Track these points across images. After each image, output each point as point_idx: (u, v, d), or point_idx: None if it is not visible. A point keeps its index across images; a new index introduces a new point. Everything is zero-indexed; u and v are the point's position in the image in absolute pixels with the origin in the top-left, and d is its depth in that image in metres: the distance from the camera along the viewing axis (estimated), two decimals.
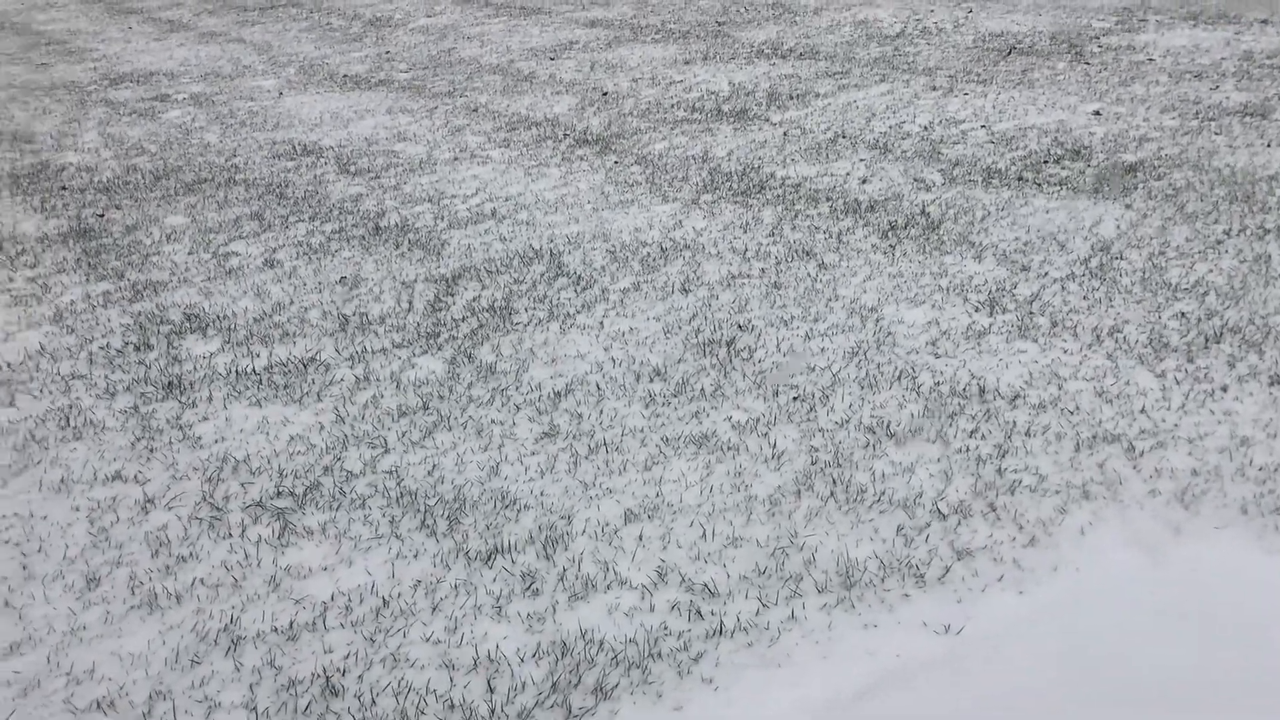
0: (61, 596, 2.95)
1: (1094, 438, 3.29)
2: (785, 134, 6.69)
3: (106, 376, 4.23)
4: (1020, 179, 5.55)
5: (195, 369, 4.23)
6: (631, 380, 3.87)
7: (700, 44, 9.63)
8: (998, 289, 4.31)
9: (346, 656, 2.67)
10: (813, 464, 3.29)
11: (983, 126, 6.48)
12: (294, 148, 7.33)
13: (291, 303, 4.76)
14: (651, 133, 6.97)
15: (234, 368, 4.21)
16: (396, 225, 5.63)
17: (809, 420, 3.52)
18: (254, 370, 4.17)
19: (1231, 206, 4.91)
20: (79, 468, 3.58)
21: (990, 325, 4.03)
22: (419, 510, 3.22)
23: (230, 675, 2.64)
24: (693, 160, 6.32)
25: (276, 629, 2.77)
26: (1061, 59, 7.97)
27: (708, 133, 6.87)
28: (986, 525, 2.95)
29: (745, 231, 5.13)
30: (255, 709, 2.55)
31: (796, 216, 5.27)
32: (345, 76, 9.56)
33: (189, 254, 5.47)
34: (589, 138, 6.97)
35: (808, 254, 4.81)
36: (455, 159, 6.75)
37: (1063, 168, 5.67)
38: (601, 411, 3.69)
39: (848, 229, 5.06)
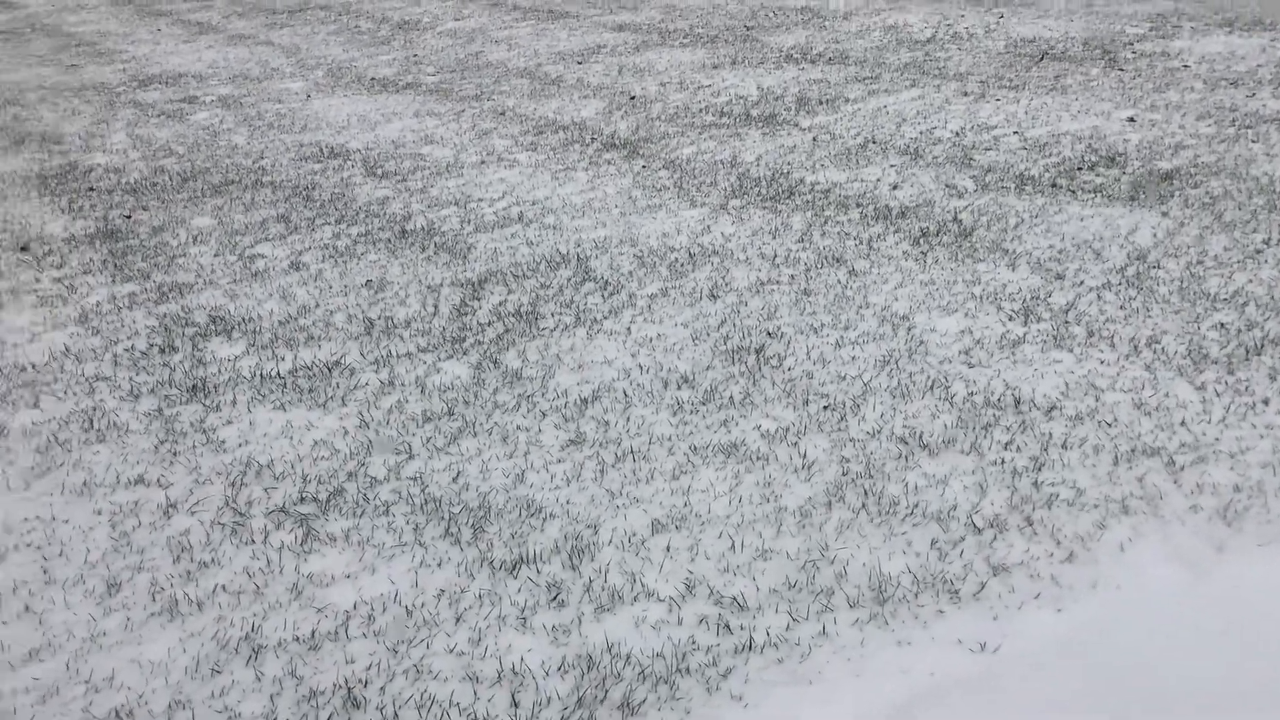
0: (82, 602, 2.92)
1: (1133, 451, 3.22)
2: (814, 139, 6.63)
3: (131, 378, 4.20)
4: (1054, 186, 5.46)
5: (220, 372, 4.20)
6: (659, 387, 3.82)
7: (728, 48, 9.57)
8: (1032, 297, 4.24)
9: (369, 667, 2.62)
10: (844, 474, 3.22)
11: (1015, 132, 6.40)
12: (321, 150, 7.31)
13: (317, 306, 4.73)
14: (679, 137, 6.92)
15: (258, 371, 4.17)
16: (423, 228, 5.60)
17: (840, 430, 3.46)
18: (278, 374, 4.14)
19: (1270, 215, 4.82)
20: (101, 471, 3.55)
21: (1025, 334, 3.95)
22: (443, 518, 3.18)
23: (251, 685, 2.60)
24: (721, 165, 6.27)
25: (298, 638, 2.73)
26: (1095, 65, 7.88)
27: (736, 137, 6.81)
28: (1023, 540, 2.88)
29: (774, 237, 5.07)
30: None
31: (826, 222, 5.21)
32: (373, 79, 9.55)
33: (215, 256, 5.45)
34: (616, 142, 6.92)
35: (838, 260, 4.75)
36: (482, 162, 6.72)
37: (1097, 175, 5.58)
38: (629, 419, 3.64)
39: (878, 235, 5.00)
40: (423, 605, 2.82)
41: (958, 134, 6.47)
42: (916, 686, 2.46)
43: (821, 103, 7.46)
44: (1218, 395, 3.47)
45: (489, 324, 4.43)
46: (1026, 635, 2.57)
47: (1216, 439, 3.25)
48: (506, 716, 2.47)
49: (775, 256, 4.85)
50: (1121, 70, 7.67)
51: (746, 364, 3.93)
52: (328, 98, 8.96)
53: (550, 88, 8.64)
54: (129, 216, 6.20)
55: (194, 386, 4.09)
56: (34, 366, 4.36)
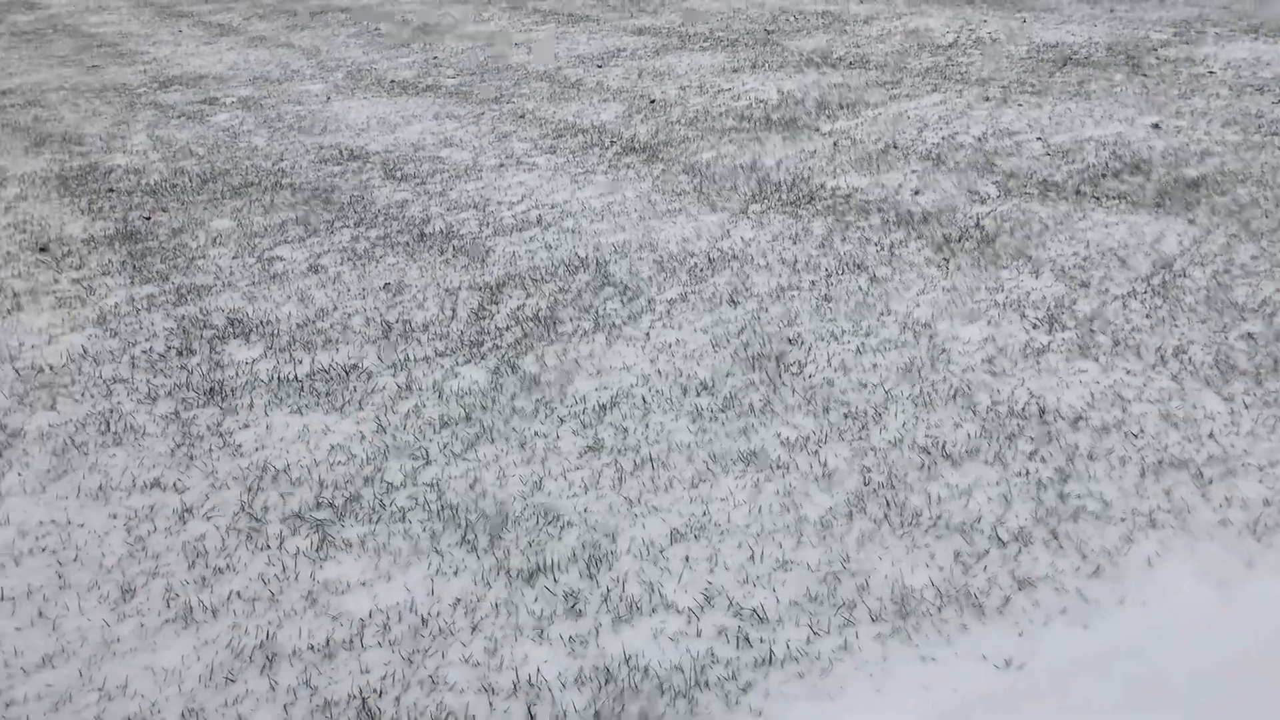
0: (96, 608, 2.90)
1: (1160, 463, 3.17)
2: (835, 144, 6.58)
3: (148, 381, 4.19)
4: (1078, 193, 5.41)
5: (237, 375, 4.18)
6: (678, 394, 3.78)
7: (749, 52, 9.53)
8: (1056, 305, 4.18)
9: (384, 677, 2.59)
10: (865, 484, 3.18)
11: (1038, 138, 6.34)
12: (340, 152, 7.30)
13: (335, 309, 4.71)
14: (699, 141, 6.88)
15: (276, 374, 4.15)
16: (441, 231, 5.58)
17: (861, 439, 3.42)
18: (296, 377, 4.12)
19: None
20: (118, 474, 3.54)
21: (1049, 343, 3.90)
22: (460, 525, 3.15)
23: (265, 695, 2.57)
24: (741, 169, 6.23)
25: (313, 646, 2.70)
26: (1119, 70, 7.81)
27: (756, 142, 6.77)
28: (1048, 554, 2.83)
29: (795, 243, 5.03)
30: None
31: (847, 228, 5.17)
32: (393, 82, 9.55)
33: (234, 258, 5.44)
34: (636, 145, 6.89)
35: (859, 267, 4.70)
36: (501, 165, 6.70)
37: (1122, 182, 5.52)
38: (647, 426, 3.60)
39: (900, 241, 4.95)
40: (438, 614, 2.79)
41: (980, 139, 6.42)
42: (940, 704, 2.41)
43: (842, 107, 7.41)
44: (1246, 407, 3.42)
45: (507, 328, 4.40)
46: (1052, 652, 2.53)
47: (1245, 451, 3.19)
48: None
49: (796, 262, 4.81)
50: (1146, 76, 7.60)
51: (767, 371, 3.89)
52: (348, 100, 8.96)
53: (570, 91, 8.62)
54: (148, 218, 6.20)
55: (211, 389, 4.08)
56: (51, 368, 4.35)
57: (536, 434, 3.60)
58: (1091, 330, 3.97)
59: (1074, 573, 2.76)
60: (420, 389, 3.96)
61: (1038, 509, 3.00)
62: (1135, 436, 3.30)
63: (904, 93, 7.67)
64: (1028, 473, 3.16)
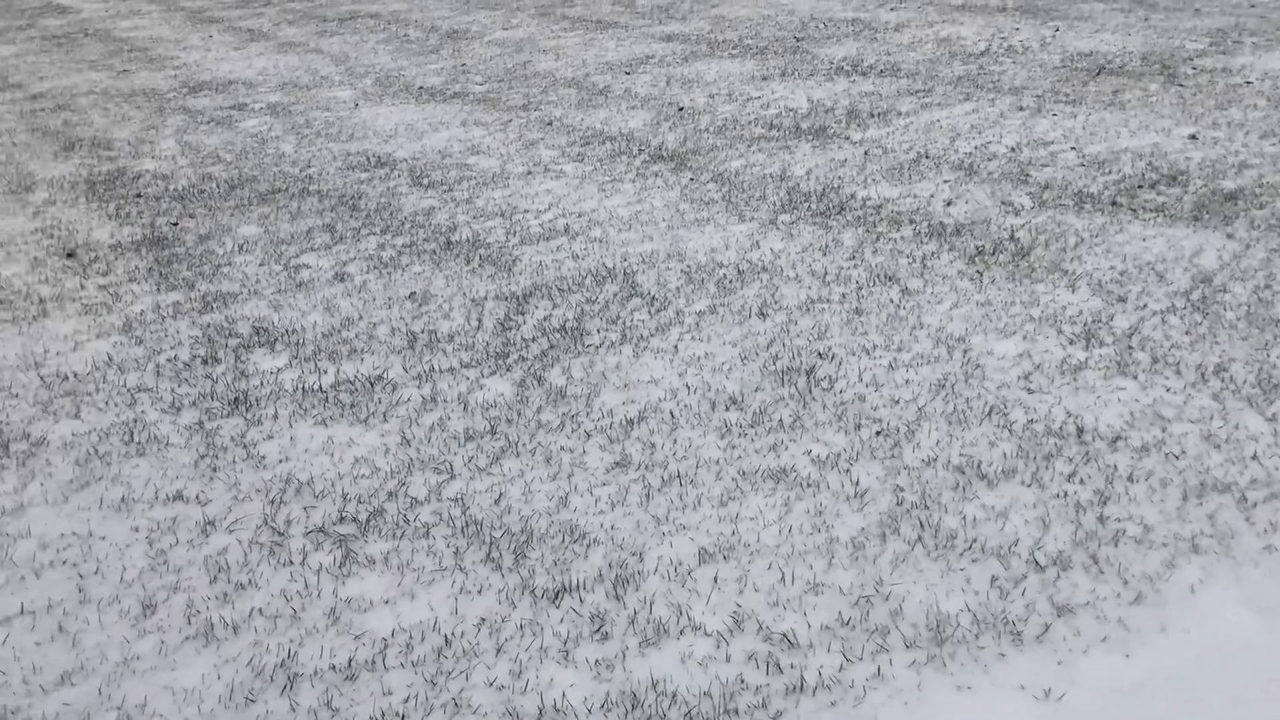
0: (117, 623, 2.86)
1: (1202, 486, 3.08)
2: (866, 153, 6.51)
3: (173, 390, 4.16)
4: (1114, 204, 5.32)
5: (262, 384, 4.15)
6: (707, 409, 3.72)
7: (778, 60, 9.47)
8: (1093, 321, 4.10)
9: (406, 700, 2.54)
10: (898, 504, 3.11)
11: (1073, 148, 6.25)
12: (368, 159, 7.28)
13: (360, 318, 4.68)
14: (728, 150, 6.83)
15: (301, 384, 4.12)
16: (468, 240, 5.54)
17: (893, 457, 3.35)
18: (320, 388, 4.08)
19: None
20: (140, 486, 3.50)
21: (1086, 359, 3.82)
22: (484, 542, 3.10)
23: (285, 716, 2.53)
24: (770, 179, 6.16)
25: (335, 667, 2.65)
26: (1154, 80, 7.71)
27: (786, 150, 6.71)
28: (1088, 579, 2.75)
29: (825, 254, 4.97)
30: None
31: (878, 239, 5.10)
32: (421, 88, 9.53)
33: (260, 265, 5.41)
34: (664, 154, 6.84)
35: (890, 279, 4.63)
36: (528, 173, 6.66)
37: (1159, 193, 5.43)
38: (675, 441, 3.54)
39: (932, 253, 4.88)
40: (462, 634, 2.74)
41: (1013, 149, 6.33)
42: None
43: (873, 116, 7.34)
44: None
45: (533, 339, 4.35)
46: (1092, 682, 2.45)
47: None
48: None
49: (826, 274, 4.74)
50: (1181, 86, 7.49)
51: (796, 386, 3.82)
52: (375, 106, 8.94)
53: (598, 98, 8.57)
54: (175, 224, 6.18)
55: (236, 399, 4.04)
56: (76, 376, 4.33)
57: (562, 448, 3.55)
58: (1130, 347, 3.89)
59: (1115, 599, 2.69)
60: (445, 401, 3.91)
61: (1077, 532, 2.92)
62: (1176, 458, 3.22)
63: (935, 101, 7.59)
64: (1066, 494, 3.09)
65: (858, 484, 3.22)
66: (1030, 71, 8.26)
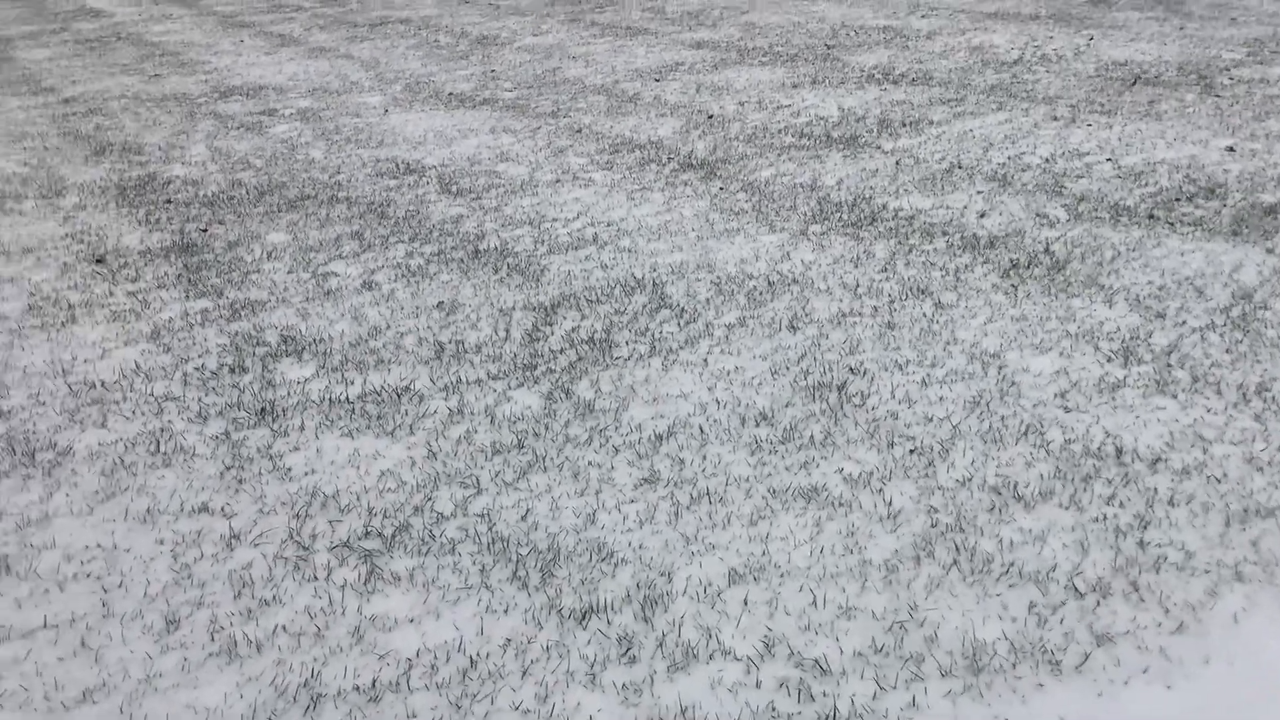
0: (139, 638, 2.83)
1: (1245, 511, 3.01)
2: (898, 163, 6.44)
3: (200, 399, 4.14)
4: (1151, 217, 5.24)
5: (289, 394, 4.12)
6: (736, 424, 3.67)
7: (809, 67, 9.41)
8: (1131, 337, 4.03)
9: None
10: (932, 526, 3.05)
11: (1108, 160, 6.17)
12: (397, 166, 7.26)
13: (388, 327, 4.65)
14: (758, 158, 6.77)
15: (327, 395, 4.09)
16: (496, 249, 5.50)
17: (927, 477, 3.29)
18: (347, 398, 4.05)
19: None
20: (166, 497, 3.48)
21: (1124, 377, 3.75)
22: (511, 559, 3.05)
23: None
24: (801, 188, 6.11)
25: (359, 687, 2.62)
26: (1190, 90, 7.60)
27: (816, 160, 6.65)
28: (1129, 607, 2.69)
29: (856, 266, 4.91)
30: None
31: (910, 251, 5.03)
32: (450, 94, 9.52)
33: (288, 273, 5.40)
34: (694, 162, 6.79)
35: (923, 292, 4.57)
36: (557, 181, 6.62)
37: (1196, 207, 5.34)
38: (704, 457, 3.49)
39: (965, 266, 4.81)
40: (488, 655, 2.69)
41: (1048, 160, 6.25)
42: None
43: (905, 125, 7.27)
44: None
45: (561, 351, 4.31)
46: (1133, 714, 2.39)
47: None
48: None
49: (857, 286, 4.68)
50: (1218, 96, 7.39)
51: (828, 401, 3.77)
52: (405, 112, 8.93)
53: (627, 105, 8.53)
54: (205, 230, 6.18)
55: (262, 409, 4.02)
56: (103, 384, 4.31)
57: (590, 463, 3.51)
58: (1168, 365, 3.81)
59: (1156, 628, 2.62)
60: (472, 413, 3.88)
61: (1116, 558, 2.86)
62: (1218, 481, 3.15)
63: (968, 110, 7.51)
64: (1105, 518, 3.02)
65: (891, 504, 3.17)
66: (1064, 81, 8.17)
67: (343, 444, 3.74)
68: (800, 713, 2.45)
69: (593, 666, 2.63)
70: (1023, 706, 2.42)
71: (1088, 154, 6.30)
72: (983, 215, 5.44)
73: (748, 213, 5.76)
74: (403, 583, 2.99)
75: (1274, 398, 3.55)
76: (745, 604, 2.80)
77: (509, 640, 2.74)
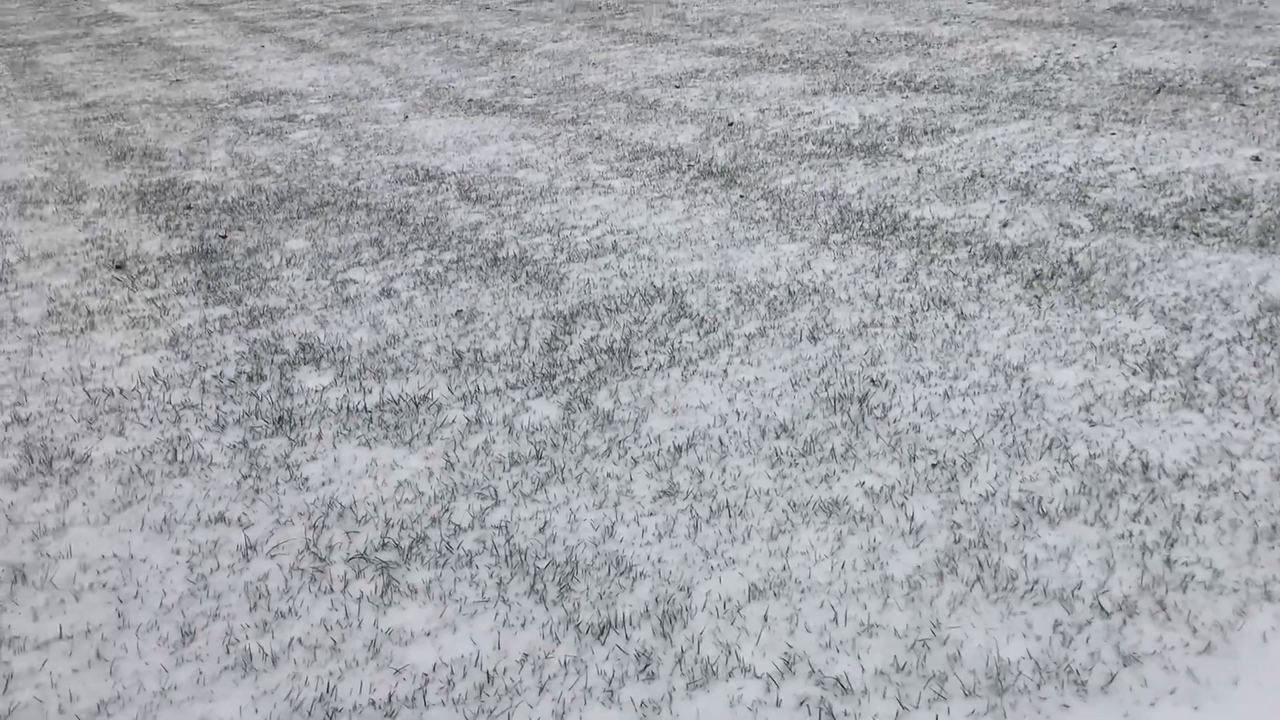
0: (155, 650, 2.82)
1: (1274, 528, 2.96)
2: (919, 171, 6.40)
3: (217, 407, 4.13)
4: (1176, 227, 5.18)
5: (306, 403, 4.11)
6: (756, 436, 3.64)
7: (829, 74, 9.37)
8: (1157, 350, 3.98)
9: None
10: (955, 542, 3.01)
11: (1132, 169, 6.11)
12: (416, 172, 7.26)
13: (406, 335, 4.63)
14: (778, 166, 6.74)
15: (345, 404, 4.07)
16: (515, 256, 5.48)
17: (950, 491, 3.25)
18: (365, 407, 4.03)
19: None
20: (183, 507, 3.47)
21: (1150, 391, 3.70)
22: (528, 573, 3.03)
23: None
24: (821, 197, 6.07)
25: (374, 702, 2.59)
26: (1215, 99, 7.54)
27: (837, 168, 6.61)
28: (1155, 626, 2.64)
29: (877, 276, 4.87)
30: None
31: (932, 261, 4.99)
32: (470, 100, 9.51)
33: (307, 280, 5.39)
34: (714, 169, 6.76)
35: (945, 303, 4.53)
36: (576, 188, 6.60)
37: (1222, 217, 5.29)
38: (724, 470, 3.46)
39: (988, 276, 4.76)
40: (505, 670, 2.67)
41: (1071, 169, 6.20)
42: None
43: (926, 133, 7.23)
44: None
45: (580, 361, 4.28)
46: None
47: None
48: None
49: (879, 297, 4.64)
50: (1243, 105, 7.32)
51: (849, 414, 3.73)
52: (425, 119, 8.93)
53: (647, 112, 8.51)
54: (224, 236, 6.18)
55: (280, 418, 4.00)
56: (121, 391, 4.31)
57: (609, 475, 3.48)
58: (1195, 378, 3.76)
59: (1183, 649, 2.57)
60: (490, 423, 3.85)
61: (1143, 576, 2.81)
62: (1246, 497, 3.10)
63: (990, 119, 7.46)
64: (1131, 535, 2.97)
65: (913, 519, 3.13)
66: (1088, 89, 8.11)
67: (360, 454, 3.73)
68: None
69: (611, 683, 2.60)
70: None
71: (1111, 163, 6.25)
72: (1005, 225, 5.40)
73: (768, 221, 5.73)
74: (419, 595, 2.97)
75: None
76: (765, 620, 2.77)
77: (526, 655, 2.71)
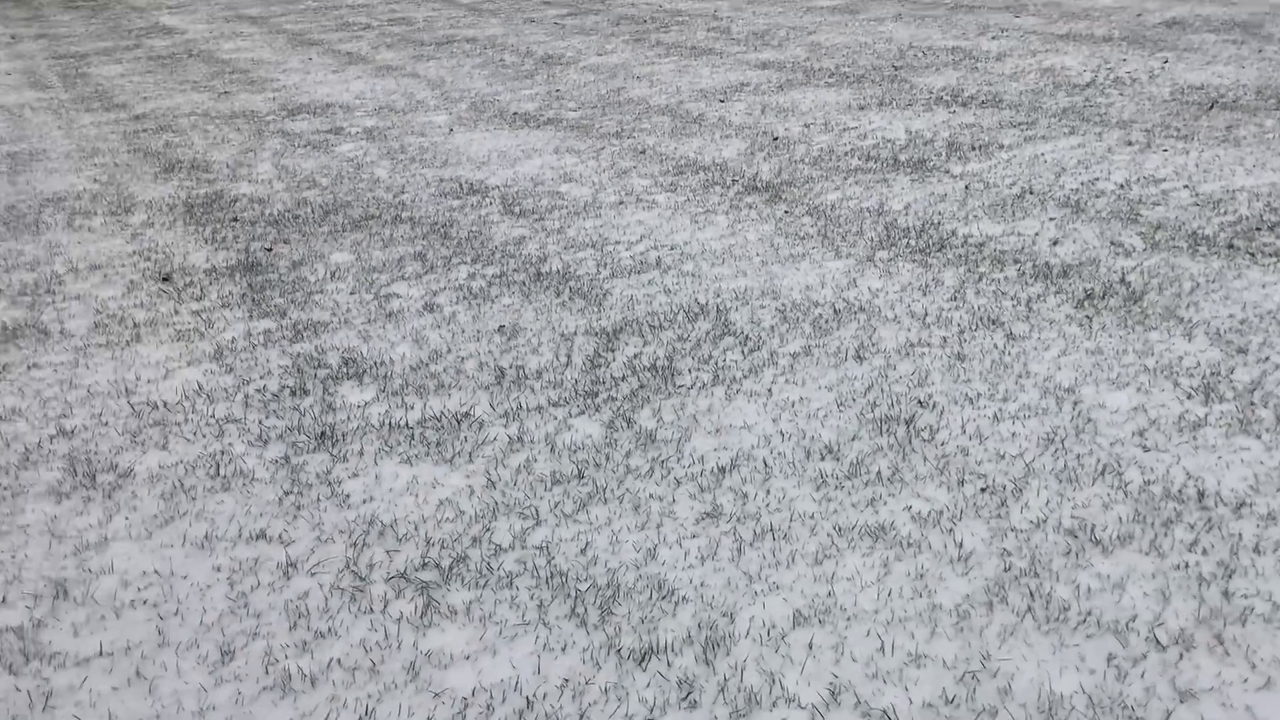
0: (194, 669, 2.80)
1: None
2: (967, 187, 6.32)
3: (260, 422, 4.13)
4: (1231, 247, 5.08)
5: (349, 419, 4.10)
6: (801, 458, 3.59)
7: (875, 89, 9.30)
8: (1212, 373, 3.89)
9: None
10: (1005, 570, 2.95)
11: (1185, 186, 6.01)
12: (460, 186, 7.26)
13: (449, 351, 4.62)
14: (824, 181, 6.68)
15: (387, 420, 4.06)
16: (558, 271, 5.46)
17: (999, 517, 3.18)
18: (407, 424, 4.02)
19: None
20: (224, 523, 3.46)
21: (1206, 416, 3.62)
22: (569, 595, 2.99)
23: None
24: (867, 213, 6.01)
25: None
26: (1269, 115, 7.41)
27: (883, 183, 6.54)
28: (1213, 661, 2.57)
29: (924, 294, 4.80)
30: None
31: (980, 279, 4.92)
32: (515, 114, 9.53)
33: (351, 294, 5.39)
34: (758, 185, 6.71)
35: (994, 322, 4.46)
36: (620, 203, 6.58)
37: (1278, 236, 5.18)
38: (768, 492, 3.41)
39: (1038, 296, 4.69)
40: (545, 696, 2.63)
41: (1122, 186, 6.10)
42: None
43: (974, 148, 7.15)
44: None
45: (623, 378, 4.25)
46: None
47: None
48: None
49: (926, 316, 4.58)
50: None
51: (895, 435, 3.67)
52: (470, 132, 8.95)
53: (691, 126, 8.48)
54: (270, 249, 6.21)
55: (322, 434, 4.00)
56: (166, 405, 4.32)
57: (652, 496, 3.44)
58: (1252, 403, 3.67)
59: (1242, 685, 2.50)
60: (532, 441, 3.83)
61: (1200, 608, 2.73)
62: None
63: (1039, 134, 7.37)
64: (1187, 565, 2.90)
65: (961, 546, 3.06)
66: (1139, 104, 8.00)
67: (401, 471, 3.71)
68: None
69: (652, 710, 2.56)
70: None
71: (1164, 180, 6.15)
72: (1055, 243, 5.31)
73: (813, 237, 5.68)
74: (459, 617, 2.94)
75: None
76: (810, 648, 2.72)
77: (566, 680, 2.68)
